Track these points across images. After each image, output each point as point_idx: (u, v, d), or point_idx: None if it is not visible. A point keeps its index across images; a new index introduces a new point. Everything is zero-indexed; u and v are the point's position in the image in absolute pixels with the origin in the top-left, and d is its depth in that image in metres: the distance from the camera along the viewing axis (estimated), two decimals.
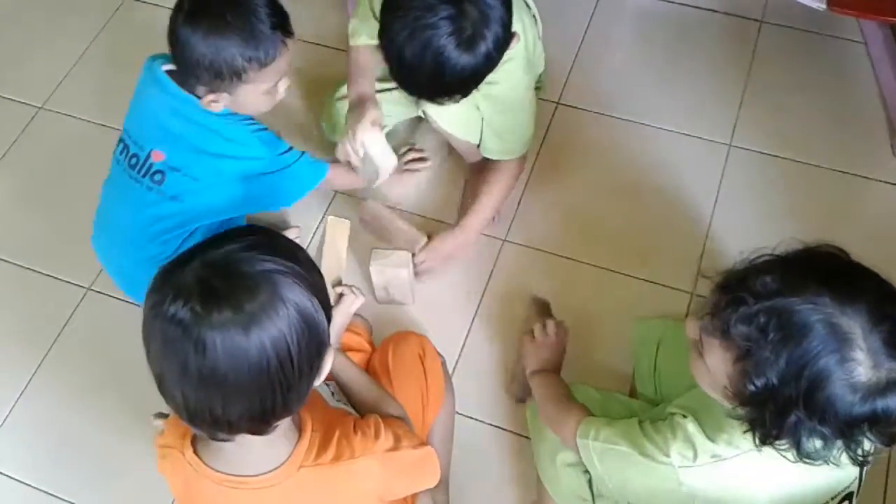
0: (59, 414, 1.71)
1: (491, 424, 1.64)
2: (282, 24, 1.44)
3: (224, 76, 1.41)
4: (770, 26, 2.15)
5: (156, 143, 1.52)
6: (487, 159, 1.80)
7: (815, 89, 2.03)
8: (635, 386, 1.53)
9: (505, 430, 1.63)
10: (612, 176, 1.93)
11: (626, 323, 1.60)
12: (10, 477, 1.65)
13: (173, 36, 1.42)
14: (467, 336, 1.74)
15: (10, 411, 1.72)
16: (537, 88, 1.84)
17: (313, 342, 0.92)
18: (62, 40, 2.26)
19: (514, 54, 1.54)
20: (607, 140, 1.98)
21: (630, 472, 1.18)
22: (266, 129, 1.56)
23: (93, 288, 1.84)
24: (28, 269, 1.89)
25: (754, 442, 1.01)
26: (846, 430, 0.94)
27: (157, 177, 1.52)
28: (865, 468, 1.13)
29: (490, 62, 1.42)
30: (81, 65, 2.21)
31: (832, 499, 1.10)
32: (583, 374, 1.63)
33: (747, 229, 1.80)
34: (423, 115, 1.77)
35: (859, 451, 0.98)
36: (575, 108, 2.04)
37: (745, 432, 1.02)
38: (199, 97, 1.47)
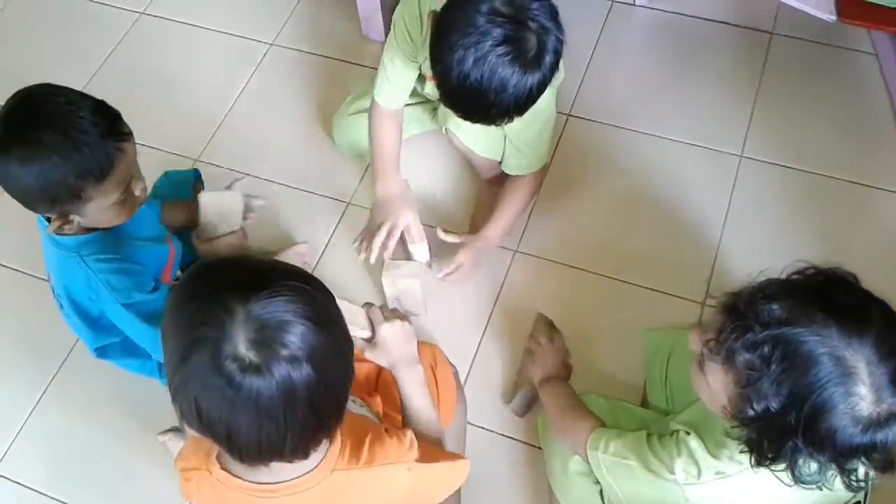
0: (73, 425, 1.72)
1: (503, 434, 1.64)
2: (110, 129, 1.27)
3: (62, 199, 1.26)
4: (781, 38, 2.15)
5: (47, 266, 1.47)
6: (503, 174, 1.81)
7: (826, 100, 2.03)
8: (646, 396, 1.54)
9: (517, 440, 1.63)
10: (623, 187, 1.93)
11: (637, 333, 1.61)
12: (24, 486, 1.66)
13: None
14: (479, 346, 1.75)
15: (25, 422, 1.73)
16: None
17: (341, 367, 0.94)
18: (75, 56, 2.28)
19: None
20: (618, 151, 1.99)
21: (638, 485, 1.19)
22: (127, 269, 1.39)
23: None
24: (42, 279, 1.91)
25: (750, 462, 1.01)
26: (842, 459, 0.95)
27: (59, 300, 1.49)
28: (871, 478, 1.13)
29: (547, 81, 1.40)
30: (97, 79, 2.23)
31: None
32: (593, 384, 1.64)
33: (759, 240, 1.80)
34: (443, 131, 1.78)
35: (853, 478, 0.98)
36: (586, 119, 2.05)
37: (741, 452, 1.02)
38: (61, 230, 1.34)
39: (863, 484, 1.01)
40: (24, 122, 1.24)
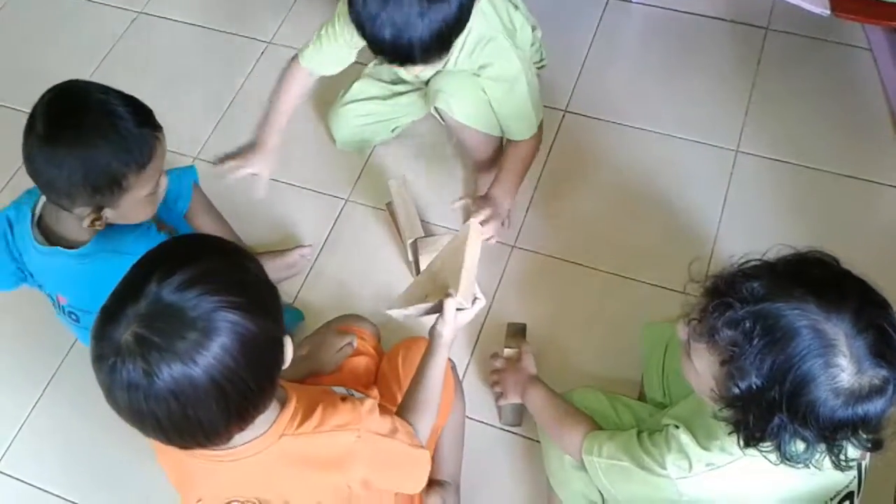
0: (73, 421, 1.72)
1: (501, 428, 1.65)
2: (146, 119, 1.31)
3: (103, 188, 1.27)
4: (776, 33, 2.16)
5: (55, 287, 1.45)
6: (496, 155, 1.83)
7: (821, 95, 2.04)
8: (643, 389, 1.54)
9: (515, 433, 1.64)
10: (619, 182, 1.94)
11: (635, 328, 1.61)
12: (25, 482, 1.67)
13: (32, 163, 1.27)
14: (477, 340, 1.75)
15: (26, 420, 1.74)
16: (540, 68, 1.88)
17: (261, 350, 0.95)
18: (73, 55, 2.29)
19: (491, 33, 1.62)
20: (615, 147, 2.00)
21: (634, 485, 1.20)
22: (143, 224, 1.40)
23: None
24: None
25: (738, 444, 1.02)
26: (828, 434, 0.96)
27: (73, 316, 1.48)
28: (864, 467, 1.14)
29: (456, 16, 1.44)
30: (96, 77, 2.24)
31: (831, 499, 1.11)
32: (591, 378, 1.65)
33: (755, 233, 1.81)
34: (434, 114, 1.79)
35: (842, 456, 0.99)
36: (582, 115, 2.06)
37: (729, 434, 1.03)
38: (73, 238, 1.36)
39: (851, 464, 1.01)
40: (67, 112, 1.26)
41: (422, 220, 1.81)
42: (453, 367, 1.58)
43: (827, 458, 1.00)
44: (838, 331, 0.93)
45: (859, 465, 1.13)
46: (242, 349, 0.92)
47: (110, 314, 0.92)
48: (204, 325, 0.90)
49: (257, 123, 1.76)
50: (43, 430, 1.73)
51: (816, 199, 1.88)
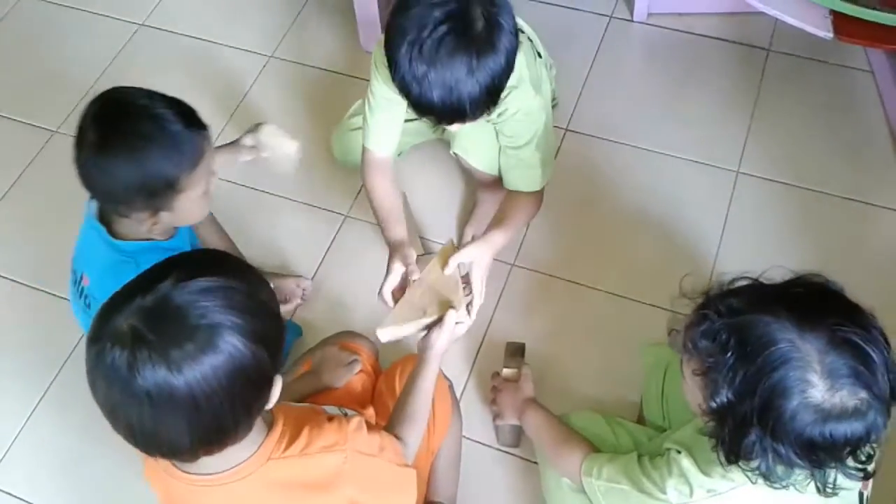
0: (68, 435, 1.71)
1: (498, 449, 1.64)
2: (192, 120, 1.33)
3: (159, 192, 1.29)
4: (777, 55, 2.16)
5: (84, 265, 1.46)
6: (498, 180, 1.80)
7: (822, 117, 2.04)
8: (643, 412, 1.53)
9: (512, 454, 1.63)
10: (620, 202, 1.94)
11: (635, 348, 1.60)
12: (17, 497, 1.65)
13: (85, 169, 1.30)
14: (475, 360, 1.74)
15: (19, 433, 1.72)
16: (553, 107, 1.84)
17: (250, 384, 0.94)
18: (75, 66, 2.29)
19: (519, 82, 1.54)
20: (616, 166, 2.00)
21: None
22: None
23: None
24: (40, 290, 1.91)
25: (720, 461, 1.01)
26: (802, 452, 0.94)
27: (87, 300, 1.47)
28: (866, 497, 1.13)
29: (504, 69, 1.38)
30: (97, 89, 2.23)
31: None
32: (590, 399, 1.64)
33: (756, 255, 1.80)
34: (452, 154, 1.78)
35: (828, 482, 0.98)
36: (584, 134, 2.05)
37: (712, 449, 1.02)
38: (123, 235, 1.37)
39: (836, 492, 1.00)
40: (115, 120, 1.29)
41: (421, 238, 1.80)
42: (451, 387, 1.57)
43: (812, 484, 1.00)
44: (811, 347, 0.92)
45: (861, 495, 1.12)
46: (232, 375, 0.91)
47: (117, 300, 0.92)
48: (204, 338, 0.89)
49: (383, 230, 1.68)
50: (35, 445, 1.71)
51: (817, 220, 1.88)
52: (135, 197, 1.29)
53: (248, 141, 1.66)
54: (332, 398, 1.42)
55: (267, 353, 0.95)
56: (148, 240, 1.38)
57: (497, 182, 1.83)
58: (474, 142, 1.71)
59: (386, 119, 1.65)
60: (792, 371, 0.92)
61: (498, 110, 1.53)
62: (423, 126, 1.90)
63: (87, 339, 0.93)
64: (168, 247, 1.41)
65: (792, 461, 0.96)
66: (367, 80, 1.96)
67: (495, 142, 1.69)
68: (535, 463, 1.55)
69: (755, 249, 1.83)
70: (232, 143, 1.67)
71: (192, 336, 0.89)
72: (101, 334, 0.90)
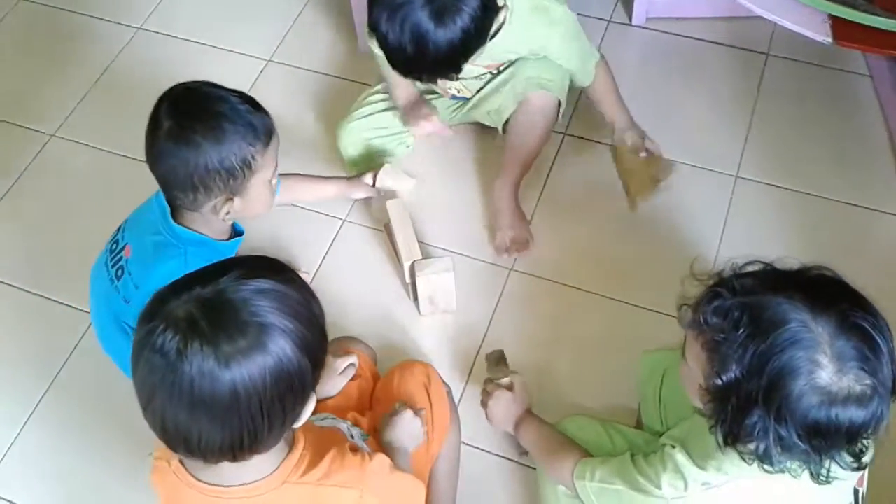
0: (63, 444, 1.70)
1: (497, 455, 1.63)
2: (257, 104, 1.40)
3: (237, 173, 1.35)
4: (776, 59, 2.16)
5: (132, 238, 1.48)
6: (533, 153, 1.90)
7: (821, 121, 2.04)
8: (640, 417, 1.53)
9: (511, 460, 1.62)
10: (618, 206, 1.93)
11: (634, 353, 1.59)
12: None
13: (162, 158, 1.35)
14: (473, 365, 1.74)
15: (13, 442, 1.71)
16: None
17: (290, 393, 0.94)
18: (73, 70, 2.28)
19: (542, 3, 1.71)
20: (614, 170, 1.99)
21: None
22: None
23: None
24: (36, 294, 1.90)
25: (717, 441, 1.01)
26: (804, 435, 0.94)
27: (119, 272, 1.48)
28: (862, 495, 1.13)
29: (469, 36, 1.51)
30: (94, 93, 2.23)
31: None
32: (588, 404, 1.63)
33: (754, 258, 1.79)
34: (500, 130, 1.87)
35: (822, 469, 0.98)
36: (582, 138, 2.05)
37: (710, 430, 1.02)
38: (183, 223, 1.41)
39: (829, 480, 1.00)
40: (189, 105, 1.36)
41: (420, 242, 1.79)
42: (449, 392, 1.57)
43: (805, 473, 1.00)
44: (822, 329, 0.93)
45: (856, 492, 1.12)
46: (277, 379, 0.91)
47: (177, 286, 0.93)
48: (255, 336, 0.89)
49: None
50: (31, 452, 1.70)
51: (815, 225, 1.87)
52: (214, 177, 1.33)
53: (368, 180, 1.84)
54: (329, 406, 1.41)
55: (311, 366, 0.95)
56: (206, 234, 1.43)
57: (530, 156, 1.88)
58: (548, 71, 1.82)
59: (400, 80, 1.77)
60: (802, 351, 0.92)
61: (541, 42, 1.75)
62: (438, 110, 1.90)
63: (139, 316, 0.93)
64: (218, 247, 1.45)
65: (793, 444, 0.96)
66: (365, 84, 1.98)
67: (560, 65, 1.82)
68: (534, 469, 1.54)
69: (754, 254, 1.80)
70: (353, 177, 1.87)
71: (245, 332, 0.89)
72: (154, 314, 0.90)
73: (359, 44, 2.23)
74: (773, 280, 1.01)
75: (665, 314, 1.75)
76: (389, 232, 1.85)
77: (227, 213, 1.39)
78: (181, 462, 1.03)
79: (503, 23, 1.65)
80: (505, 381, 1.56)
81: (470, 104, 1.90)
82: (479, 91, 1.88)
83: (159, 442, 1.10)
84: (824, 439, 0.95)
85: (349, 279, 1.87)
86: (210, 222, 1.42)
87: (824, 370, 0.92)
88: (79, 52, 2.33)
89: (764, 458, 0.98)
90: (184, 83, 1.40)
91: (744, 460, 1.01)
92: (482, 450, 1.64)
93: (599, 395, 1.67)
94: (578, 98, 2.11)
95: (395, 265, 1.86)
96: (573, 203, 1.95)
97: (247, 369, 0.89)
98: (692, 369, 1.04)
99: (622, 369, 1.66)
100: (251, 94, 2.12)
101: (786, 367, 0.93)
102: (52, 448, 1.70)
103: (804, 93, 2.09)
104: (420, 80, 1.53)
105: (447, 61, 1.53)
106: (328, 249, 1.92)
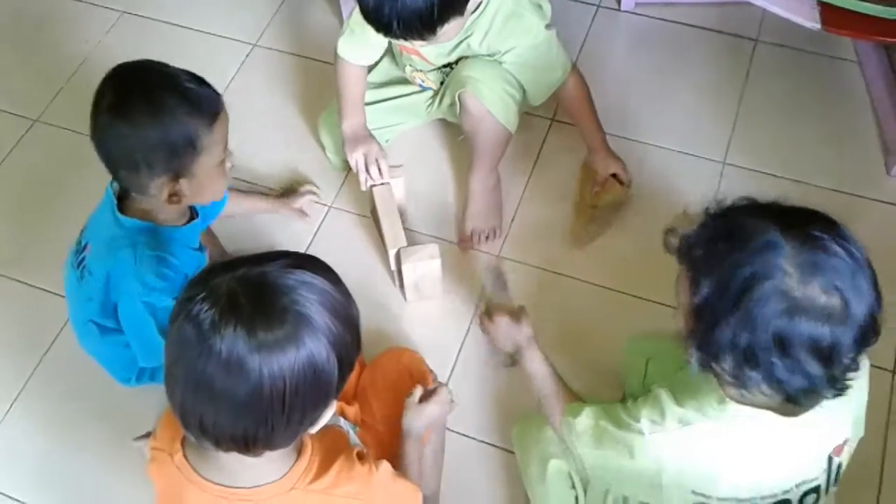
0: (45, 433, 1.69)
1: (483, 441, 1.63)
2: (206, 83, 1.35)
3: (180, 151, 1.30)
4: (765, 45, 2.15)
5: (90, 236, 1.46)
6: (494, 158, 1.85)
7: (809, 108, 2.04)
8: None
9: (497, 446, 1.62)
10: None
11: (620, 340, 1.60)
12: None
13: (104, 135, 1.30)
14: (459, 352, 1.74)
15: None
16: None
17: (314, 392, 0.93)
18: (57, 54, 2.26)
19: (522, 8, 1.66)
20: None
21: (606, 451, 1.21)
22: (165, 273, 1.38)
23: None
24: (17, 281, 1.89)
25: (689, 360, 1.05)
26: (771, 348, 0.97)
27: (83, 272, 1.46)
28: (839, 465, 1.15)
29: None
30: (77, 77, 2.21)
31: (797, 486, 1.13)
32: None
33: None
34: (455, 99, 1.78)
35: (797, 394, 1.00)
36: (569, 125, 2.04)
37: (686, 353, 1.05)
38: (130, 213, 1.38)
39: (801, 403, 1.03)
40: (133, 82, 1.32)
41: (406, 229, 1.79)
42: (434, 379, 1.56)
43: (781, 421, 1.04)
44: (792, 243, 0.98)
45: (830, 460, 1.14)
46: (305, 375, 0.90)
47: (225, 265, 0.92)
48: (293, 326, 0.89)
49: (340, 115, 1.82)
50: (13, 441, 1.69)
51: None
52: (157, 155, 1.29)
53: (297, 204, 1.90)
54: None
55: (338, 367, 0.93)
56: (152, 221, 1.39)
57: (492, 161, 1.83)
58: (488, 84, 1.73)
59: (365, 37, 1.71)
60: (770, 259, 0.97)
61: (506, 46, 1.68)
62: (416, 104, 1.89)
63: (186, 284, 0.93)
64: (170, 233, 1.41)
65: (761, 357, 0.98)
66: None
67: (505, 85, 1.74)
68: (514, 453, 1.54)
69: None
70: (285, 195, 1.89)
71: (283, 319, 0.88)
72: (197, 284, 0.90)
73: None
74: (753, 207, 1.07)
75: (650, 301, 1.75)
76: (376, 218, 1.84)
77: (174, 196, 1.34)
78: (185, 457, 1.02)
79: (481, 5, 1.63)
80: (509, 306, 1.54)
81: (444, 99, 1.87)
82: (441, 83, 1.86)
83: (157, 430, 1.10)
84: (791, 355, 0.97)
85: (334, 266, 1.85)
86: (162, 205, 1.37)
87: (789, 277, 0.96)
88: (63, 36, 2.31)
89: (737, 380, 1.02)
90: (129, 62, 1.36)
91: (721, 378, 1.05)
92: (468, 436, 1.64)
93: (585, 381, 1.66)
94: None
95: (381, 252, 1.86)
96: (561, 189, 1.94)
97: (276, 360, 0.88)
98: (682, 304, 1.07)
99: (608, 356, 1.66)
100: (237, 78, 2.18)
101: (754, 273, 0.97)
102: (32, 439, 1.69)
103: (793, 79, 2.09)
104: (392, 31, 1.48)
105: (424, 12, 1.47)
106: (314, 236, 1.91)
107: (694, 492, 1.13)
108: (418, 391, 1.38)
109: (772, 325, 0.97)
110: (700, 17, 2.21)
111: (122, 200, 1.40)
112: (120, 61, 2.18)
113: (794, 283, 0.96)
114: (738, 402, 1.06)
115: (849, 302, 0.96)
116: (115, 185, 1.41)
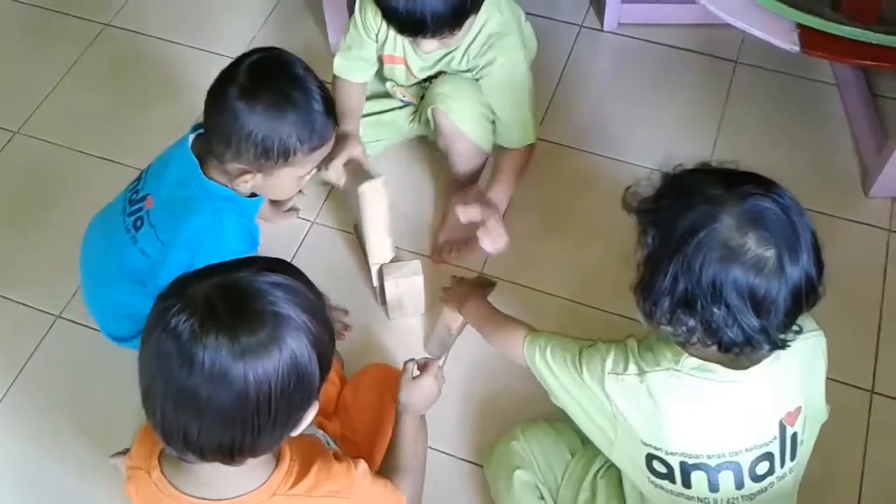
0: (22, 445, 1.67)
1: (463, 459, 1.63)
2: (331, 109, 1.38)
3: (272, 155, 1.33)
4: (745, 67, 2.18)
5: (155, 189, 1.46)
6: (473, 174, 1.86)
7: (788, 130, 2.06)
8: None
9: (477, 465, 1.62)
10: (588, 211, 1.94)
11: None
12: None
13: (219, 106, 1.33)
14: (441, 368, 1.73)
15: None
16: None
17: (299, 393, 0.93)
18: (39, 66, 2.25)
19: (506, 30, 1.66)
20: (584, 175, 2.00)
21: (566, 377, 1.24)
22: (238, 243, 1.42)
23: (63, 316, 1.81)
24: None
25: (639, 309, 1.12)
26: (708, 293, 1.02)
27: (139, 222, 1.46)
28: (795, 436, 1.16)
29: None
30: (59, 90, 2.20)
31: (747, 450, 1.15)
32: (539, 408, 1.63)
33: None
34: (428, 114, 1.77)
35: (724, 334, 1.04)
36: (552, 143, 2.06)
37: (640, 307, 1.12)
38: (211, 177, 1.40)
39: (736, 349, 1.06)
40: (274, 74, 1.34)
41: (402, 249, 1.78)
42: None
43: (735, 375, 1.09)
44: (734, 198, 1.04)
45: (783, 428, 1.15)
46: (289, 377, 0.90)
47: (197, 273, 0.92)
48: (273, 327, 0.89)
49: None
50: None
51: None
52: (250, 149, 1.31)
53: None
54: None
55: (319, 367, 0.94)
56: (232, 189, 1.41)
57: (471, 178, 1.83)
58: (459, 101, 1.73)
59: (359, 56, 1.74)
60: (711, 210, 1.03)
61: (488, 58, 1.67)
62: (397, 120, 1.90)
63: (158, 295, 0.92)
64: (244, 204, 1.44)
65: (696, 302, 1.03)
66: None
67: (479, 104, 1.74)
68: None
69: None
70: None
71: (263, 321, 0.88)
72: (173, 293, 0.89)
73: (329, 44, 2.22)
74: (704, 170, 1.13)
75: (626, 317, 1.75)
76: (359, 234, 1.84)
77: (244, 182, 1.37)
78: (163, 473, 1.01)
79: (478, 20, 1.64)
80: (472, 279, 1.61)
81: (422, 115, 1.87)
82: (422, 98, 1.87)
83: (133, 448, 1.09)
84: (725, 302, 1.02)
85: (317, 281, 1.85)
86: (234, 179, 1.39)
87: (728, 228, 1.02)
88: (43, 48, 2.30)
89: (676, 327, 1.07)
90: (284, 52, 1.38)
91: (677, 355, 1.10)
92: (449, 454, 1.63)
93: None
94: (549, 104, 2.12)
95: (363, 268, 1.85)
96: (541, 206, 1.95)
97: (261, 364, 0.88)
98: (635, 263, 1.14)
99: None
100: None
101: (694, 223, 1.03)
102: (8, 452, 1.67)
103: (772, 101, 2.11)
104: (425, 27, 1.48)
105: (457, 4, 1.48)
106: (296, 251, 1.91)
107: (643, 442, 1.16)
108: (412, 365, 1.39)
109: (708, 271, 1.02)
110: (681, 38, 2.24)
111: (200, 160, 1.41)
112: (104, 73, 2.18)
113: (731, 234, 1.02)
114: (688, 353, 1.10)
115: (782, 258, 1.02)
116: (190, 139, 1.41)
